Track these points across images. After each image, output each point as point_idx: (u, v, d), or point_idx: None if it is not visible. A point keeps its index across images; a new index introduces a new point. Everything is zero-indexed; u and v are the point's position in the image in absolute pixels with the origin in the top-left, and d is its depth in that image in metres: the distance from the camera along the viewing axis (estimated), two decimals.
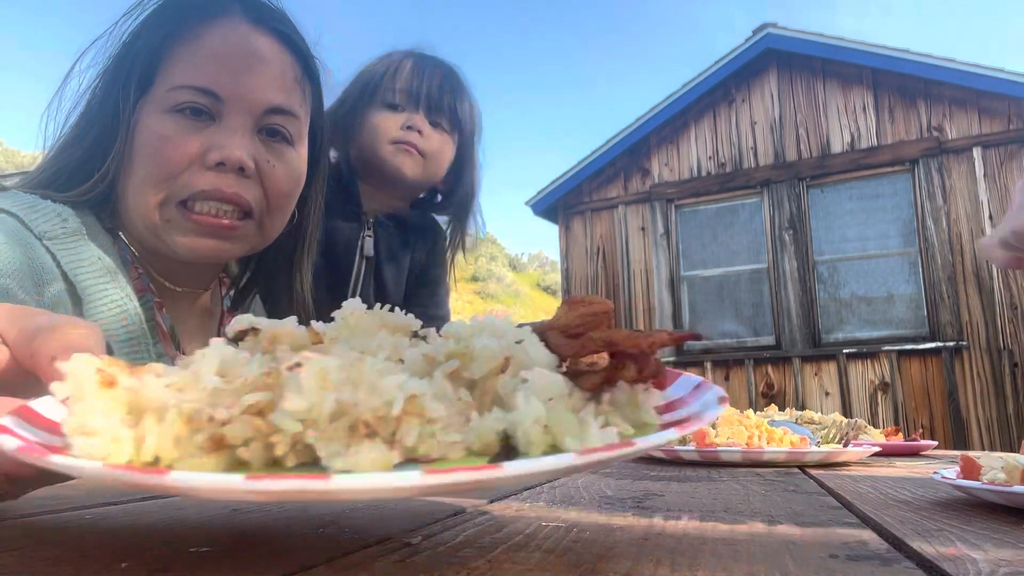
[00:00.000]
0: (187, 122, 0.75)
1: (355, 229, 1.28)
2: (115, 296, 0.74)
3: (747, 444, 0.83)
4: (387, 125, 1.25)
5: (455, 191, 1.36)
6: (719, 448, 0.80)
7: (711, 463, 0.82)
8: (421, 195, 1.38)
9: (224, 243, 0.77)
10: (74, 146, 0.79)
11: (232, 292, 0.98)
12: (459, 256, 1.41)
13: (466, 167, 1.35)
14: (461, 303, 23.94)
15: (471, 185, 1.37)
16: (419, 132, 1.25)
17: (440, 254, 1.39)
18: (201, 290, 0.90)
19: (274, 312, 0.95)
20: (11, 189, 0.79)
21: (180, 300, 0.87)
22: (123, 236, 0.81)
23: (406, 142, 1.24)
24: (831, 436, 1.03)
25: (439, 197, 1.40)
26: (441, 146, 1.29)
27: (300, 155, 0.84)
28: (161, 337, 0.79)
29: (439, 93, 1.27)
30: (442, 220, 1.41)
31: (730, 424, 0.85)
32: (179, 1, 0.77)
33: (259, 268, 0.95)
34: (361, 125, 1.26)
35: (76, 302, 0.73)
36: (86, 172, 0.78)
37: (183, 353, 0.82)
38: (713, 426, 0.86)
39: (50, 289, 0.70)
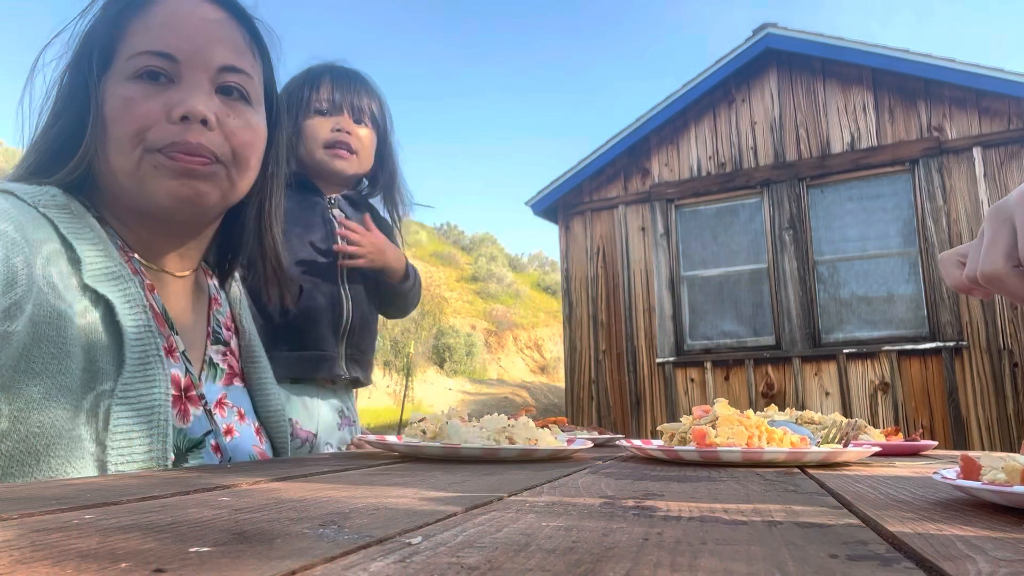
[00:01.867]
0: (148, 85, 0.81)
1: (320, 203, 1.52)
2: (112, 266, 0.79)
3: (747, 444, 0.83)
4: (319, 129, 1.47)
5: (379, 175, 1.63)
6: (719, 448, 0.80)
7: (711, 463, 0.82)
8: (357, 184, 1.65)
9: (201, 184, 0.82)
10: (48, 134, 0.83)
11: (216, 280, 1.04)
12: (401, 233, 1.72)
13: (386, 154, 1.61)
14: (461, 303, 23.95)
15: (393, 168, 1.63)
16: (348, 132, 1.49)
17: (384, 224, 1.65)
18: (188, 271, 0.94)
19: (254, 277, 1.03)
20: None
21: (168, 284, 0.91)
22: (109, 220, 0.85)
23: (340, 143, 1.48)
24: (831, 436, 1.03)
25: (365, 183, 1.66)
26: (369, 140, 1.53)
27: (258, 113, 0.91)
28: (154, 316, 0.82)
29: (358, 96, 1.51)
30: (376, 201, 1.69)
31: (730, 424, 0.85)
32: None
33: (235, 248, 1.02)
34: (298, 134, 1.47)
35: (74, 263, 0.76)
36: (65, 156, 0.82)
37: (176, 333, 0.86)
38: (713, 426, 0.86)
39: (45, 248, 0.73)
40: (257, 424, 0.99)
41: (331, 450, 1.44)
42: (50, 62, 0.84)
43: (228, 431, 0.91)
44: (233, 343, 1.02)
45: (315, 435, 1.41)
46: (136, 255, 0.86)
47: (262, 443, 0.98)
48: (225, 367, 0.97)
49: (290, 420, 1.34)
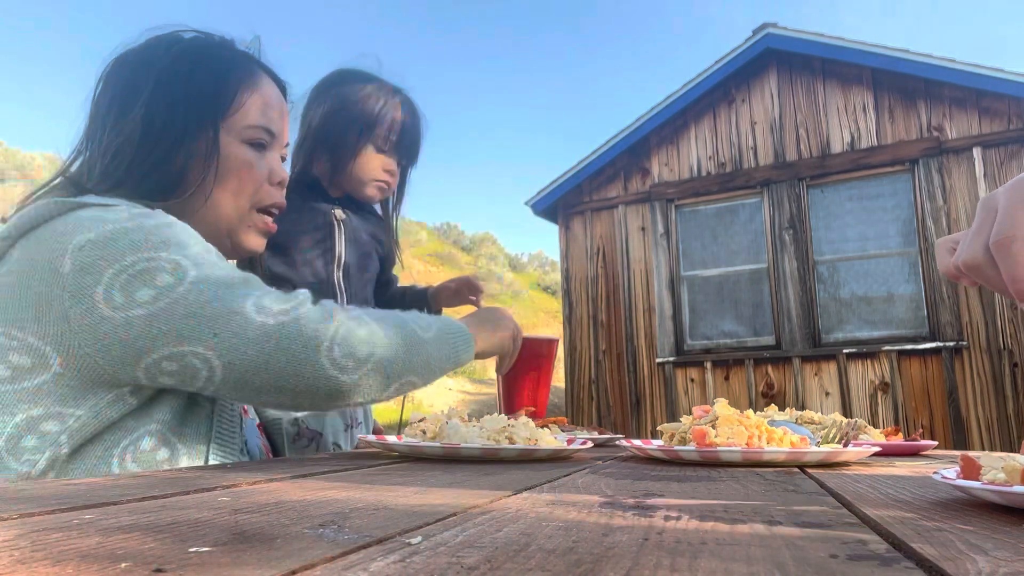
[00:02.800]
0: (257, 152, 1.00)
1: (328, 211, 1.54)
2: None
3: (747, 444, 0.83)
4: (374, 166, 1.53)
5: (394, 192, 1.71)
6: (719, 448, 0.80)
7: (711, 463, 0.82)
8: None
9: (264, 240, 1.05)
10: (164, 158, 0.92)
11: None
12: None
13: (405, 180, 1.68)
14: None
15: (402, 190, 1.70)
16: (393, 175, 1.56)
17: (380, 222, 1.70)
18: None
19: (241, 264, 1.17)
20: (82, 193, 0.88)
21: None
22: None
23: (385, 184, 1.55)
24: (831, 436, 1.03)
25: None
26: (400, 179, 1.61)
27: None
28: None
29: (418, 145, 1.58)
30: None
31: (730, 424, 0.85)
32: (232, 49, 1.02)
33: None
34: (351, 157, 1.50)
35: None
36: (167, 182, 0.93)
37: None
38: (713, 426, 0.86)
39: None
40: (259, 421, 1.07)
41: (338, 451, 1.44)
42: (103, 78, 0.95)
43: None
44: None
45: (320, 434, 1.42)
46: None
47: (264, 440, 1.07)
48: None
49: (296, 419, 1.36)
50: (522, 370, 1.43)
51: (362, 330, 0.84)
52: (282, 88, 1.08)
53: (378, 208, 1.68)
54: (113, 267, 0.76)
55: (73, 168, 0.93)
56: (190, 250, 0.81)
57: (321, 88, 1.55)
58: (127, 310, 0.75)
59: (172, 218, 0.85)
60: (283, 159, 1.07)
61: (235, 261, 1.09)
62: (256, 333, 0.77)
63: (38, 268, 0.77)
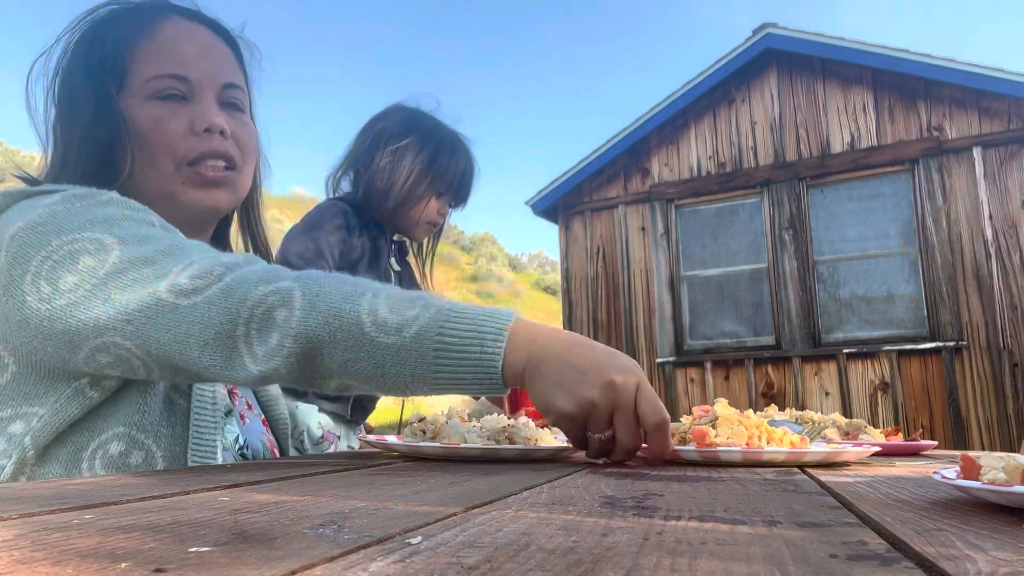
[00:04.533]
0: (170, 105, 0.91)
1: (387, 252, 1.64)
2: None
3: (747, 444, 0.83)
4: (431, 209, 1.61)
5: None
6: (719, 448, 0.80)
7: (711, 463, 0.82)
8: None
9: (222, 192, 0.95)
10: (83, 147, 0.90)
11: None
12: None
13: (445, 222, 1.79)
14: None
15: (441, 229, 1.81)
16: (444, 217, 1.67)
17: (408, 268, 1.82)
18: None
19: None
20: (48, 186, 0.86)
21: None
22: None
23: (436, 224, 1.65)
24: (815, 432, 1.03)
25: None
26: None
27: (251, 121, 1.02)
28: None
29: (471, 191, 1.68)
30: None
31: (730, 424, 0.85)
32: (122, 11, 0.93)
33: (223, 235, 1.11)
34: (422, 203, 1.58)
35: None
36: (107, 168, 0.89)
37: None
38: (713, 426, 0.86)
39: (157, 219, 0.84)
40: (263, 416, 1.06)
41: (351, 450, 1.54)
42: (39, 76, 0.92)
43: (241, 416, 0.98)
44: None
45: (339, 437, 1.53)
46: None
47: (269, 435, 1.04)
48: None
49: (320, 423, 1.45)
50: None
51: (284, 311, 0.69)
52: (211, 24, 0.98)
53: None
54: (40, 254, 0.73)
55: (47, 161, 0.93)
56: (118, 226, 0.76)
57: (387, 128, 1.60)
58: (51, 301, 0.72)
59: (110, 194, 0.81)
60: (233, 85, 0.96)
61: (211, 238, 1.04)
62: (167, 318, 0.69)
63: None
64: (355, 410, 1.58)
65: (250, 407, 1.02)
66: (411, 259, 1.79)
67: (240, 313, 0.69)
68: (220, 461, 0.87)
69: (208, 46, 0.96)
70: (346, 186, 1.65)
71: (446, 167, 1.58)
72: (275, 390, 1.10)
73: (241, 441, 0.95)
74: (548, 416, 0.71)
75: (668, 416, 0.72)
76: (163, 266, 0.72)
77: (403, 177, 1.54)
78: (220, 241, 1.11)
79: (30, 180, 0.91)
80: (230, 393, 0.98)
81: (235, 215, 1.11)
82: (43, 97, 0.92)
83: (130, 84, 0.90)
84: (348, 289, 0.71)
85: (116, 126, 0.88)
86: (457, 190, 1.63)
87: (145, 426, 0.80)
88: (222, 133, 0.92)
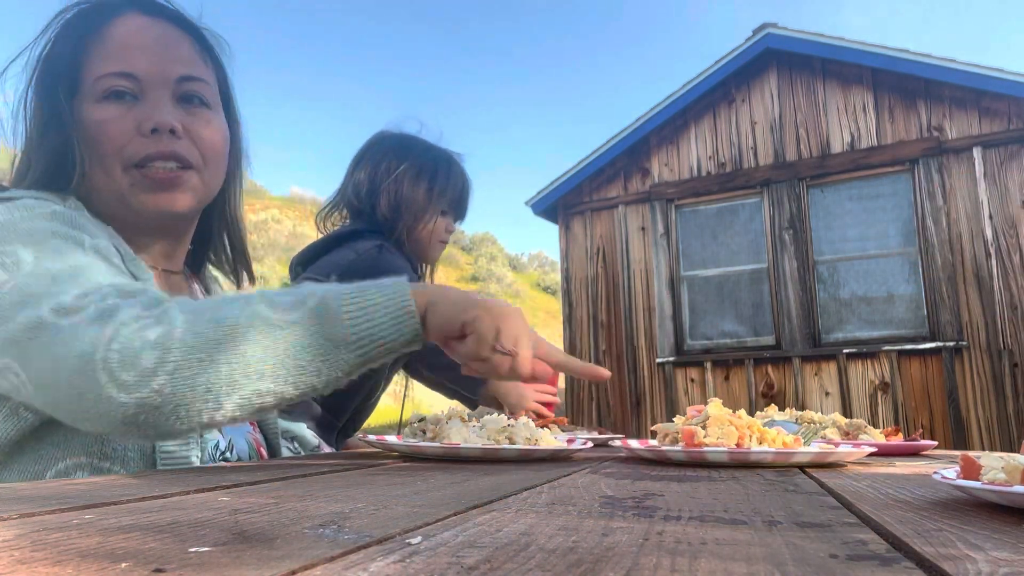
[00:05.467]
0: (117, 105, 0.87)
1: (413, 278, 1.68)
2: (140, 262, 0.89)
3: (738, 444, 0.82)
4: (440, 229, 1.67)
5: None
6: (706, 448, 0.80)
7: (697, 463, 0.81)
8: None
9: (176, 193, 0.90)
10: (38, 153, 0.89)
11: (200, 283, 1.11)
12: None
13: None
14: None
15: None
16: (451, 234, 1.73)
17: None
18: (177, 268, 1.02)
19: (220, 264, 1.12)
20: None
21: (163, 280, 0.99)
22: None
23: (445, 242, 1.71)
24: (812, 433, 1.02)
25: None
26: None
27: (218, 115, 0.97)
28: None
29: (468, 206, 1.74)
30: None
31: (721, 424, 0.85)
32: (82, 11, 0.90)
33: (204, 241, 1.09)
34: (429, 224, 1.63)
35: (121, 258, 0.84)
36: (61, 173, 0.88)
37: None
38: (704, 426, 0.86)
39: (100, 241, 0.81)
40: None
41: None
42: (15, 76, 0.90)
43: None
44: None
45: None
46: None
47: (256, 433, 1.03)
48: None
49: (320, 439, 1.45)
50: None
51: (154, 330, 0.62)
52: (173, 17, 0.94)
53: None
54: None
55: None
56: (43, 243, 0.73)
57: (377, 155, 1.64)
58: None
59: (54, 207, 0.80)
60: (191, 78, 0.92)
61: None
62: (44, 338, 0.64)
63: None
64: (346, 422, 1.59)
65: None
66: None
67: (104, 334, 0.62)
68: None
69: (164, 40, 0.91)
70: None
71: (445, 186, 1.64)
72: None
73: (223, 446, 0.92)
74: (446, 338, 0.74)
75: (527, 345, 0.75)
76: (61, 286, 0.67)
77: (408, 203, 1.60)
78: (205, 244, 1.09)
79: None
80: None
81: (215, 221, 1.07)
82: (16, 100, 0.91)
83: (83, 86, 0.88)
84: (233, 297, 0.70)
85: (65, 130, 0.86)
86: (457, 205, 1.69)
87: (107, 453, 0.76)
88: (173, 132, 0.88)
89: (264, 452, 1.03)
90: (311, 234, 1.81)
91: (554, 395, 1.58)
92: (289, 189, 44.81)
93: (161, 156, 0.87)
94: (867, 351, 5.95)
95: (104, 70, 0.87)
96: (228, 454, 0.93)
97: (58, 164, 0.87)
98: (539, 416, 1.43)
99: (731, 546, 0.32)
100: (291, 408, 1.38)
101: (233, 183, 1.05)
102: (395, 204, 1.59)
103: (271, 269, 21.25)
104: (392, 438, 1.00)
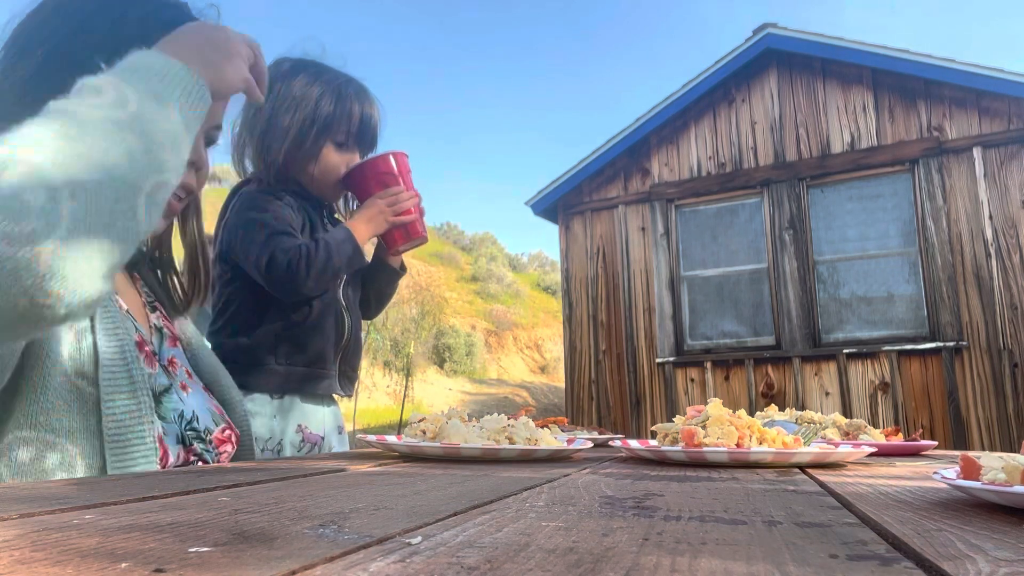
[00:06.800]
0: None
1: (324, 215, 1.51)
2: None
3: (737, 444, 0.82)
4: (337, 164, 1.43)
5: None
6: (705, 448, 0.80)
7: (697, 463, 0.81)
8: None
9: (164, 219, 0.95)
10: None
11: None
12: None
13: None
14: (461, 303, 23.94)
15: None
16: None
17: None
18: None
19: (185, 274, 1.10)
20: None
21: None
22: None
23: None
24: (811, 433, 1.02)
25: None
26: None
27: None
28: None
29: (376, 135, 1.49)
30: None
31: (721, 424, 0.85)
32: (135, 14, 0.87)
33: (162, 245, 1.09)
34: (315, 158, 1.41)
35: None
36: None
37: (116, 294, 0.91)
38: (704, 426, 0.86)
39: None
40: (203, 384, 1.03)
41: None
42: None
43: (183, 387, 0.95)
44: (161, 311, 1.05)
45: (322, 438, 1.42)
46: None
47: (213, 401, 1.01)
48: (167, 331, 1.01)
49: (300, 425, 1.36)
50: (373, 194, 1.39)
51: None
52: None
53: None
54: None
55: None
56: None
57: (269, 87, 1.36)
58: None
59: None
60: (218, 127, 0.95)
61: None
62: None
63: None
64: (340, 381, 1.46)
65: (190, 375, 0.99)
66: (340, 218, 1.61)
67: None
68: (155, 450, 0.79)
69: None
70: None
71: (331, 113, 1.40)
72: (226, 378, 1.06)
73: (188, 415, 0.90)
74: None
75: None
76: None
77: (286, 133, 1.38)
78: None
79: None
80: (168, 365, 0.94)
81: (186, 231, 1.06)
82: None
83: None
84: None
85: None
86: (358, 136, 1.44)
87: (53, 425, 0.72)
88: (192, 164, 0.92)
89: (226, 415, 1.01)
90: None
91: (409, 196, 1.41)
92: None
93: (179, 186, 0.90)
94: (867, 351, 5.95)
95: None
96: (196, 424, 0.91)
97: None
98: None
99: (731, 546, 0.32)
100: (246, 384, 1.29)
101: (197, 201, 1.07)
102: (269, 139, 1.39)
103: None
104: (392, 438, 1.00)
